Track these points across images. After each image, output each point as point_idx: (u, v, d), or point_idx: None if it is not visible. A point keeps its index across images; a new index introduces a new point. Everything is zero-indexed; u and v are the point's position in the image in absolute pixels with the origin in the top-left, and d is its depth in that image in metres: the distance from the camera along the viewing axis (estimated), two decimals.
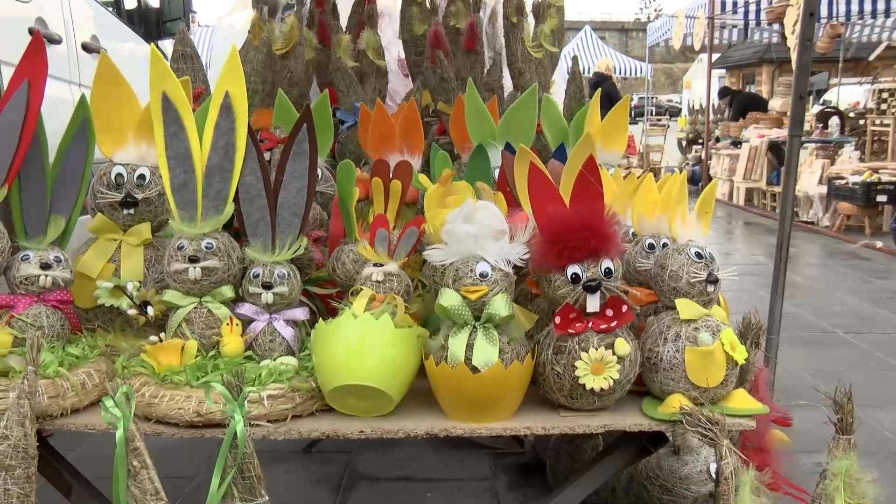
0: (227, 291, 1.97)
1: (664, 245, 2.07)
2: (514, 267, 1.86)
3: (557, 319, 1.82)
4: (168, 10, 5.39)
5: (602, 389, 1.80)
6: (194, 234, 1.94)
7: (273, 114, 2.86)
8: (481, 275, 1.80)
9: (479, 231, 1.81)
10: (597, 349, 1.79)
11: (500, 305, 1.78)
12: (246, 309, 1.98)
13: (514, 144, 2.67)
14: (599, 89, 3.00)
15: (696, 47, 13.06)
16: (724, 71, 20.05)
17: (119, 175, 2.11)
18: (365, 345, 1.79)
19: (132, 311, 1.98)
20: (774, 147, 10.91)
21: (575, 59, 3.53)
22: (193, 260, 1.91)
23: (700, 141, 14.39)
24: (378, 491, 2.94)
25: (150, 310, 1.98)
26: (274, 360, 1.94)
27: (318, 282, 2.33)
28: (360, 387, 1.77)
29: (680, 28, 12.96)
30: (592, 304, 1.81)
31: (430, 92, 3.51)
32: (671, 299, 1.89)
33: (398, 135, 2.82)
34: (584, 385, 1.80)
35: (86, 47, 4.06)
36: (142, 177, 2.11)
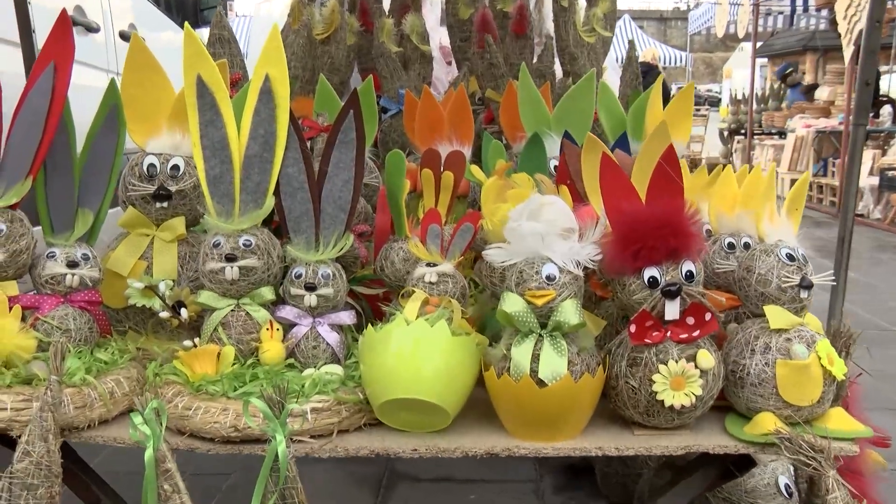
0: (267, 293, 1.80)
1: (745, 245, 1.87)
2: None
3: (633, 328, 1.63)
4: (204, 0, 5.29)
5: (683, 407, 1.61)
6: (231, 230, 1.78)
7: (315, 101, 2.70)
8: (548, 278, 1.62)
9: (546, 229, 1.63)
10: (677, 361, 1.61)
11: (570, 312, 1.60)
12: (287, 312, 1.81)
13: (572, 134, 2.50)
14: (661, 76, 2.79)
15: (741, 35, 12.73)
16: (765, 60, 19.61)
17: (151, 165, 1.96)
18: (419, 355, 1.62)
19: (164, 314, 1.82)
20: (821, 137, 10.60)
21: (631, 43, 3.34)
22: (230, 259, 1.75)
23: (742, 131, 14.04)
24: (419, 492, 2.79)
25: (183, 312, 1.82)
26: (318, 368, 1.77)
27: (364, 281, 2.17)
28: (414, 401, 1.60)
29: (724, 15, 12.63)
30: (672, 311, 1.62)
31: (478, 78, 3.35)
32: (758, 306, 1.69)
33: (447, 123, 2.65)
34: (662, 401, 1.61)
35: (123, 36, 3.95)
36: (175, 167, 1.96)
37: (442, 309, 1.72)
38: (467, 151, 2.63)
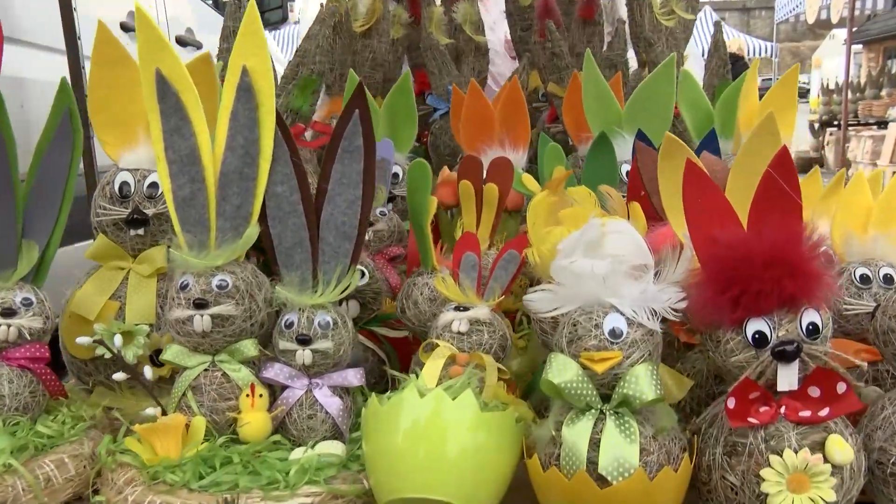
0: (249, 348, 1.40)
1: (887, 278, 1.39)
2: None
3: (731, 402, 1.17)
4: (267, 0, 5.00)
5: None
6: (204, 266, 1.39)
7: (342, 100, 2.31)
8: (612, 333, 1.17)
9: (609, 267, 1.18)
10: (797, 451, 1.14)
11: (643, 381, 1.15)
12: (275, 372, 1.41)
13: (647, 134, 2.05)
14: (757, 60, 2.31)
15: (834, 20, 11.88)
16: (860, 46, 18.47)
17: (125, 184, 1.59)
18: (435, 438, 1.20)
19: (119, 376, 1.44)
20: None
21: (718, 24, 2.86)
22: (200, 305, 1.36)
23: (836, 122, 13.13)
24: None
25: (147, 371, 1.44)
26: (312, 446, 1.37)
27: (390, 321, 1.76)
28: (429, 501, 1.18)
29: (815, 0, 11.82)
30: (787, 378, 1.16)
31: (540, 72, 2.92)
32: None
33: (498, 123, 2.23)
34: None
35: (180, 41, 3.66)
36: (154, 186, 1.59)
37: (470, 371, 1.29)
38: (523, 157, 2.21)
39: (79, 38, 2.50)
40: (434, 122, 2.83)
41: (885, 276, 1.38)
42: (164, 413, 1.40)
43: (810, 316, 1.16)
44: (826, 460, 1.14)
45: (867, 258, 1.42)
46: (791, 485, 1.14)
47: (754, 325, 1.16)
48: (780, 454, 1.14)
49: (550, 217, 1.49)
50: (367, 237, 1.97)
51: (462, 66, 2.93)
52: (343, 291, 1.43)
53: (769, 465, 1.15)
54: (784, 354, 1.14)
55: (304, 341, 1.38)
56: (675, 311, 1.20)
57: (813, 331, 1.16)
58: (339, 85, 2.67)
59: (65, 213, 1.53)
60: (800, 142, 14.98)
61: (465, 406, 1.21)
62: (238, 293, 1.38)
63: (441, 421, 1.20)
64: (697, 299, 1.19)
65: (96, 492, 1.34)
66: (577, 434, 1.17)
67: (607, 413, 1.18)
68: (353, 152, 1.44)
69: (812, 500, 1.13)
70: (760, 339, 1.16)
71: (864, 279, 1.40)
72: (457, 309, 1.44)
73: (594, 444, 1.16)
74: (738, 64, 9.58)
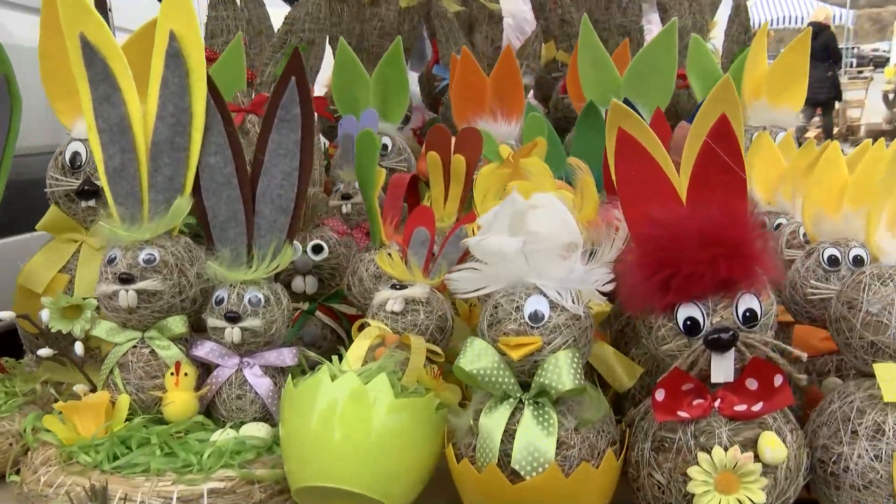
0: (177, 325, 1.36)
1: (856, 260, 1.27)
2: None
3: (660, 394, 1.08)
4: None
5: None
6: (134, 240, 1.34)
7: (333, 72, 2.24)
8: (533, 317, 1.09)
9: (518, 245, 1.09)
10: (727, 449, 1.04)
11: (562, 370, 1.07)
12: (205, 350, 1.36)
13: (649, 103, 1.94)
14: (766, 24, 2.16)
15: None
16: None
17: (76, 155, 1.56)
18: (345, 424, 1.13)
19: (44, 352, 1.41)
20: None
21: None
22: (125, 280, 1.31)
23: None
24: None
25: (78, 347, 1.41)
26: (237, 428, 1.32)
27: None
28: (338, 490, 1.12)
29: None
30: (722, 370, 1.06)
31: (555, 41, 2.82)
32: (866, 361, 1.10)
33: (490, 93, 2.14)
34: None
35: None
36: None
37: (387, 355, 1.22)
38: (515, 129, 2.11)
39: (109, 10, 2.51)
40: (444, 93, 2.75)
41: (855, 257, 1.26)
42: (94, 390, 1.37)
43: (747, 302, 1.05)
44: (758, 459, 1.04)
45: (838, 238, 1.30)
46: (719, 485, 1.04)
47: (686, 311, 1.06)
48: (709, 452, 1.05)
49: (499, 192, 1.40)
50: (345, 210, 1.91)
51: (475, 35, 2.83)
52: (275, 268, 1.37)
53: (698, 465, 1.05)
54: (717, 343, 1.04)
55: (232, 318, 1.32)
56: (604, 294, 1.11)
57: (750, 318, 1.05)
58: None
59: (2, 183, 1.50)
60: (872, 113, 14.36)
61: (378, 390, 1.14)
62: (166, 268, 1.33)
63: (352, 406, 1.13)
64: (627, 282, 1.09)
65: (19, 471, 1.31)
66: (492, 424, 1.09)
67: (526, 402, 1.09)
68: (290, 122, 1.37)
69: (740, 502, 1.04)
70: (693, 327, 1.06)
71: (833, 261, 1.28)
72: (393, 287, 1.37)
73: (510, 435, 1.08)
74: (823, 34, 9.21)
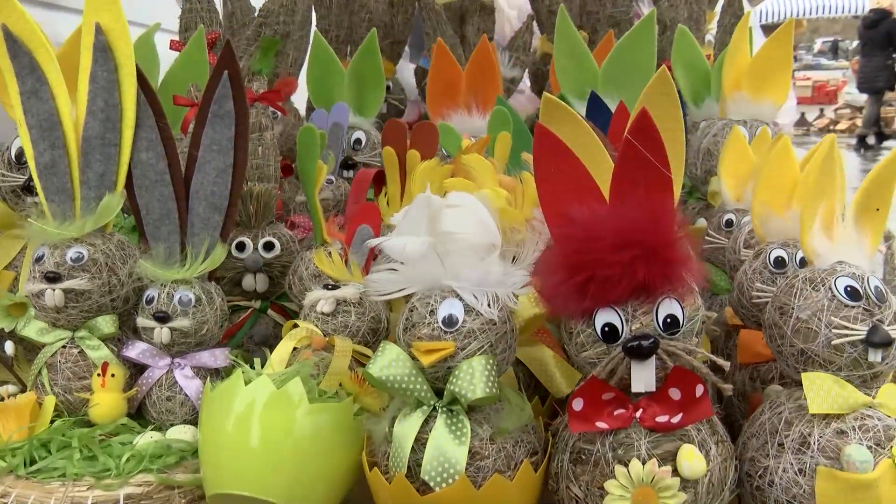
0: (107, 325, 1.33)
1: (803, 262, 1.21)
2: None
3: (578, 404, 1.03)
4: None
5: None
6: (61, 238, 1.31)
7: (308, 65, 2.20)
8: (447, 321, 1.04)
9: (447, 246, 1.05)
10: (645, 462, 0.99)
11: (475, 377, 1.02)
12: (135, 350, 1.34)
13: (619, 94, 1.89)
14: (749, 12, 2.07)
15: None
16: None
17: (22, 150, 1.53)
18: (259, 431, 1.09)
19: None
20: None
21: None
22: (52, 279, 1.29)
23: None
24: None
25: (8, 346, 1.39)
26: (165, 430, 1.29)
27: None
28: (248, 498, 1.08)
29: None
30: (642, 378, 1.01)
31: (541, 30, 2.77)
32: (797, 370, 1.04)
33: (465, 86, 2.09)
34: None
35: None
36: None
37: (300, 362, 1.18)
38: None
39: None
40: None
41: (802, 259, 1.20)
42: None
43: (668, 307, 1.00)
44: (676, 473, 0.98)
45: (787, 239, 1.24)
46: (636, 499, 0.99)
47: (604, 317, 1.00)
48: (626, 465, 1.00)
49: (437, 189, 1.36)
50: None
51: (467, 27, 2.78)
52: (207, 266, 1.33)
53: (615, 479, 1.00)
54: (637, 351, 0.99)
55: (161, 318, 1.29)
56: (515, 299, 1.06)
57: (672, 324, 1.00)
58: (336, 47, 2.56)
59: None
60: None
61: (291, 395, 1.10)
62: (95, 266, 1.30)
63: (265, 411, 1.10)
64: (545, 285, 1.04)
65: None
66: (404, 432, 1.05)
67: (439, 409, 1.05)
68: (224, 117, 1.33)
69: None
70: (611, 333, 1.00)
71: (779, 262, 1.22)
72: (326, 287, 1.33)
73: (423, 444, 1.04)
74: (886, 21, 8.90)
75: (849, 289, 1.01)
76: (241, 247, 1.59)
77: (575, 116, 1.15)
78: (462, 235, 1.05)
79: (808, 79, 16.57)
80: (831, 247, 1.06)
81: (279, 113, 2.32)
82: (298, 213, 1.82)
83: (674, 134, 1.13)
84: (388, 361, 1.06)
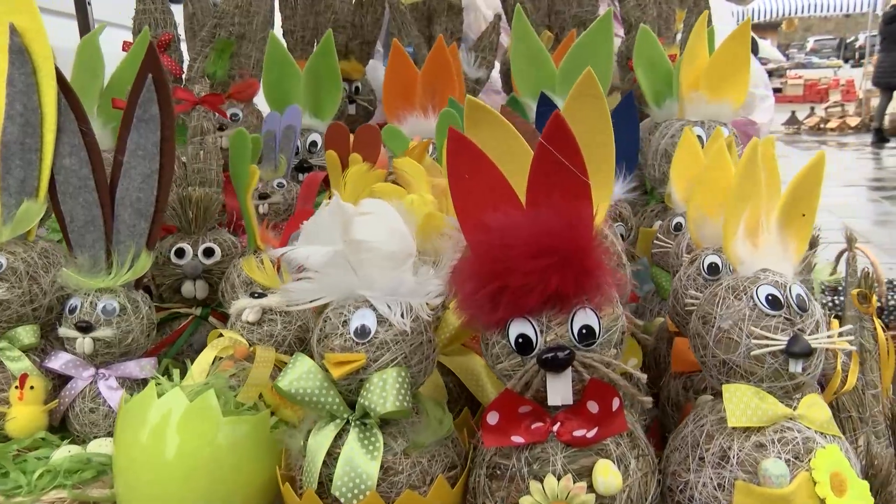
0: (27, 335, 1.30)
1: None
2: None
3: (493, 417, 1.00)
4: None
5: None
6: None
7: (265, 68, 2.17)
8: (359, 332, 1.01)
9: (360, 255, 1.02)
10: (560, 477, 0.96)
11: (387, 391, 0.99)
12: (62, 361, 1.30)
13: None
14: (706, 12, 2.04)
15: None
16: None
17: None
18: (172, 446, 1.06)
19: None
20: None
21: None
22: None
23: None
24: None
25: None
26: (86, 443, 1.26)
27: None
28: None
29: None
30: (558, 391, 0.97)
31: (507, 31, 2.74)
32: (720, 381, 1.01)
33: (421, 87, 2.06)
34: None
35: None
36: None
37: (216, 374, 1.14)
38: None
39: (89, 4, 2.52)
40: None
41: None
42: None
43: (584, 318, 0.96)
44: (591, 489, 0.95)
45: (720, 245, 1.20)
46: None
47: (518, 328, 0.97)
48: (541, 481, 0.96)
49: (361, 194, 1.32)
50: (262, 210, 1.84)
51: (434, 27, 2.75)
52: (135, 274, 1.30)
53: (529, 495, 0.97)
54: (551, 363, 0.95)
55: (83, 328, 1.26)
56: (432, 310, 1.03)
57: (587, 335, 0.96)
58: (301, 48, 2.53)
59: None
60: None
61: (203, 408, 1.07)
62: (15, 275, 1.27)
63: (177, 424, 1.07)
64: (459, 294, 1.01)
65: None
66: (316, 446, 1.02)
67: (352, 422, 1.02)
68: (149, 121, 1.30)
69: None
70: (525, 344, 0.97)
71: (713, 269, 1.19)
72: (252, 295, 1.30)
73: (336, 458, 1.01)
74: None
75: (770, 297, 0.98)
76: (180, 253, 1.57)
77: (501, 120, 1.12)
78: (374, 244, 1.01)
79: (800, 77, 16.57)
80: (756, 254, 1.03)
81: (240, 114, 2.30)
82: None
83: (602, 137, 1.10)
84: (299, 374, 1.02)
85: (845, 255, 1.99)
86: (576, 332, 0.96)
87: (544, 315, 0.96)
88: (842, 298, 1.65)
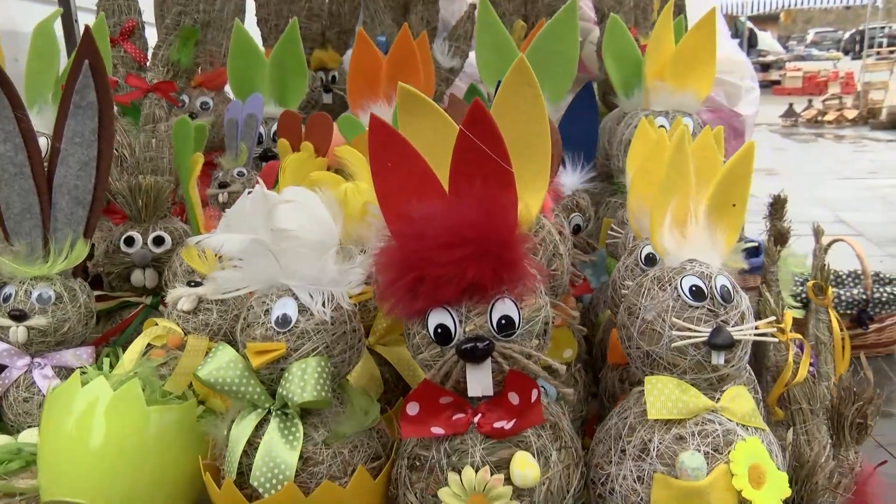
0: None
1: None
2: None
3: (412, 408, 0.99)
4: None
5: None
6: None
7: (229, 56, 2.15)
8: (280, 321, 1.00)
9: (282, 243, 1.01)
10: (478, 469, 0.95)
11: (306, 380, 0.98)
12: None
13: (543, 86, 1.83)
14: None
15: None
16: None
17: None
18: (89, 434, 1.05)
19: None
20: None
21: None
22: None
23: None
24: None
25: None
26: (19, 433, 1.25)
27: None
28: None
29: None
30: (478, 382, 0.96)
31: None
32: (644, 372, 1.00)
33: (385, 77, 2.04)
34: None
35: None
36: None
37: (144, 361, 1.13)
38: None
39: None
40: None
41: None
42: None
43: (503, 308, 0.95)
44: (508, 481, 0.94)
45: None
46: None
47: (437, 318, 0.96)
48: (459, 473, 0.95)
49: (301, 182, 1.31)
50: (221, 199, 1.83)
51: (410, 16, 2.73)
52: (72, 262, 1.29)
53: (448, 487, 0.96)
54: (470, 353, 0.94)
55: (17, 317, 1.25)
56: (351, 299, 1.02)
57: (507, 325, 0.95)
58: (275, 37, 2.51)
59: None
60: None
61: (126, 397, 1.06)
62: None
63: (100, 414, 1.05)
64: (380, 284, 0.99)
65: None
66: (237, 435, 1.01)
67: (273, 411, 1.01)
68: (86, 108, 1.29)
69: None
70: (444, 335, 0.96)
71: (650, 260, 1.18)
72: (189, 284, 1.28)
73: (253, 447, 1.00)
74: None
75: (694, 288, 0.96)
76: (129, 241, 1.55)
77: (435, 108, 1.11)
78: (296, 232, 1.00)
79: (799, 69, 16.51)
80: (683, 244, 1.01)
81: (210, 103, 2.28)
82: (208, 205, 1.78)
83: (535, 126, 1.08)
84: (220, 364, 1.01)
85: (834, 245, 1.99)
86: (495, 322, 0.95)
87: (463, 305, 0.95)
88: None
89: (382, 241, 1.02)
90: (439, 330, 0.96)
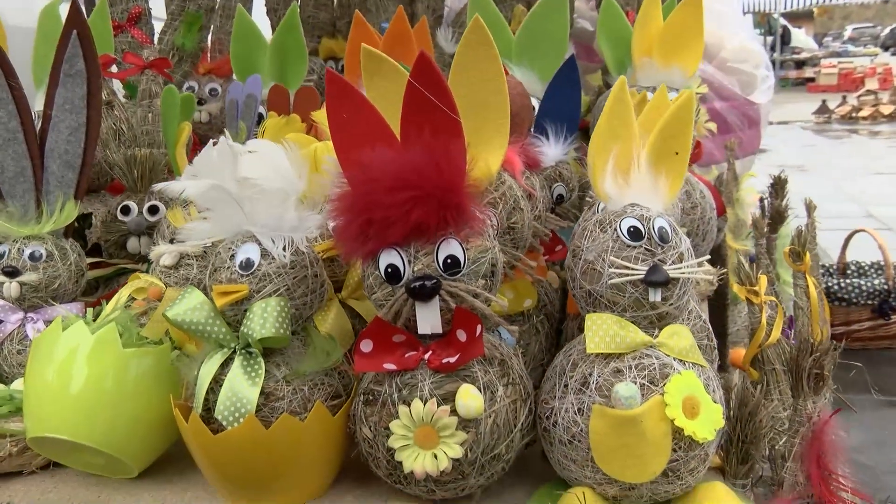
0: None
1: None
2: None
3: (366, 345, 1.04)
4: None
5: (439, 474, 1.00)
6: None
7: (233, 38, 2.22)
8: (244, 265, 1.06)
9: (246, 191, 1.07)
10: (426, 402, 1.00)
11: (266, 318, 1.03)
12: None
13: (541, 67, 1.90)
14: None
15: None
16: None
17: None
18: (75, 377, 1.12)
19: None
20: None
21: None
22: None
23: None
24: None
25: None
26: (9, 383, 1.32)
27: None
28: (63, 441, 1.11)
29: None
30: (427, 319, 1.01)
31: None
32: (587, 311, 1.04)
33: None
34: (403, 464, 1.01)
35: None
36: None
37: (137, 306, 1.20)
38: None
39: None
40: None
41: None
42: None
43: (448, 248, 1.00)
44: (454, 412, 0.99)
45: None
46: (418, 439, 1.00)
47: (387, 258, 1.01)
48: (409, 405, 1.00)
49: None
50: None
51: (416, 4, 2.79)
52: (62, 222, 1.36)
53: (398, 419, 1.01)
54: (418, 291, 0.99)
55: (10, 273, 1.32)
56: (310, 242, 1.07)
57: (452, 265, 1.00)
58: None
59: None
60: None
61: (103, 341, 1.12)
62: None
63: (80, 357, 1.12)
64: (334, 228, 1.05)
65: None
66: (204, 373, 1.07)
67: (238, 350, 1.07)
68: (75, 76, 1.36)
69: (435, 458, 0.99)
70: (394, 274, 1.01)
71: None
72: (172, 241, 1.35)
73: (218, 384, 1.06)
74: None
75: (632, 229, 1.00)
76: (125, 210, 1.63)
77: (397, 69, 1.16)
78: (259, 180, 1.06)
79: (834, 66, 16.31)
80: (626, 189, 1.05)
81: (219, 89, 2.36)
82: None
83: (493, 85, 1.13)
84: (189, 306, 1.07)
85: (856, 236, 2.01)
86: (441, 262, 1.00)
87: (411, 246, 1.00)
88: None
89: (338, 187, 1.07)
90: (389, 270, 1.01)
